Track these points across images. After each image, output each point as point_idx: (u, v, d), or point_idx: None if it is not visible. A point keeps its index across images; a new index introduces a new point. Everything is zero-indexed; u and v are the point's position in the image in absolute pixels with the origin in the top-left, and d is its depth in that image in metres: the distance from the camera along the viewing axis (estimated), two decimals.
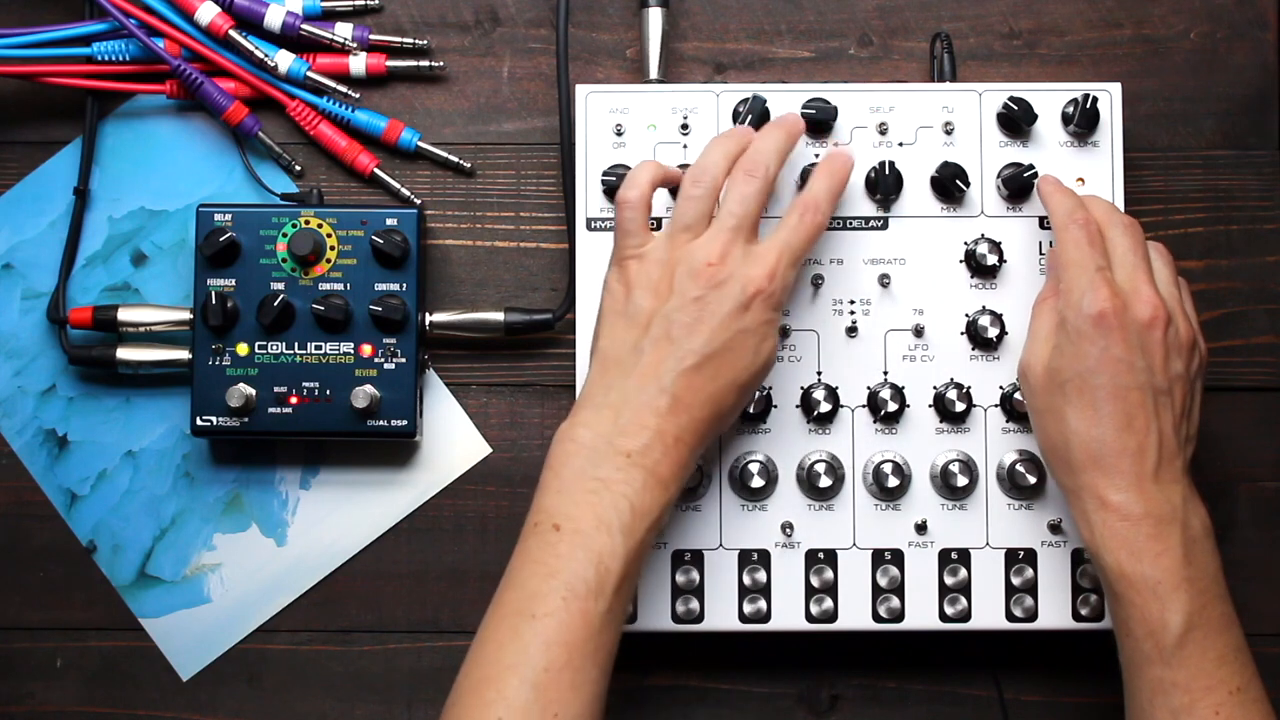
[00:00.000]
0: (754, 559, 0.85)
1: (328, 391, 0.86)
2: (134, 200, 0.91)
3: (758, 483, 0.84)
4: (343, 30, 0.90)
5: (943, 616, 0.85)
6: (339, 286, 0.87)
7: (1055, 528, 0.85)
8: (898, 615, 0.85)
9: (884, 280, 0.85)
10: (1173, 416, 0.77)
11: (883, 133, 0.86)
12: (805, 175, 0.85)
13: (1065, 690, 0.90)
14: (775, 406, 0.85)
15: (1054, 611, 0.85)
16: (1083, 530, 0.77)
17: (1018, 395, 0.84)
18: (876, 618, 0.85)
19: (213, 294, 0.86)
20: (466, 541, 0.90)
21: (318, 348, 0.87)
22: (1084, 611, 0.85)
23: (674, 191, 0.83)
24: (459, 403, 0.91)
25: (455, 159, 0.91)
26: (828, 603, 0.85)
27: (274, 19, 0.89)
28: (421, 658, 0.90)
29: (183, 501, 0.90)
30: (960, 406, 0.84)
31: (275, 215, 0.87)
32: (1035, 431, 0.81)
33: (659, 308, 0.76)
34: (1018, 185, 0.85)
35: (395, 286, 0.87)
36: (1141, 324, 0.76)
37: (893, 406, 0.84)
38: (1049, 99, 0.86)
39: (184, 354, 0.87)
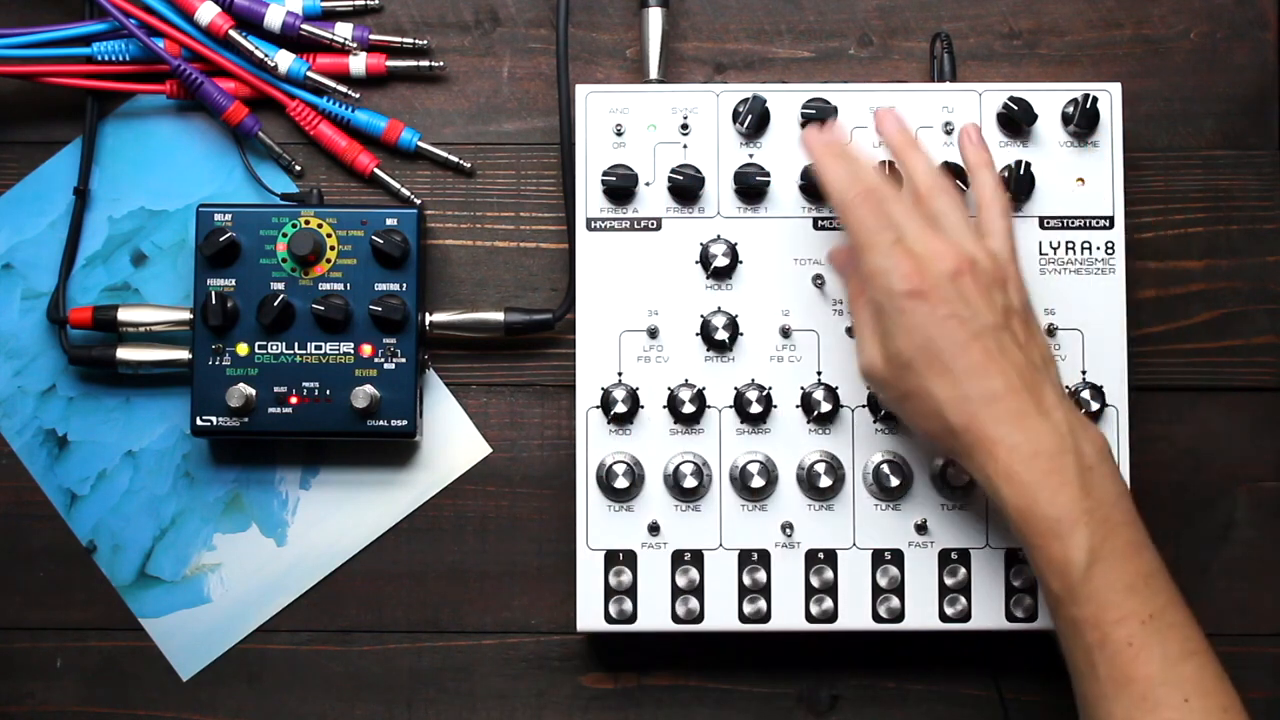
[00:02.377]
0: (754, 559, 0.85)
1: (328, 391, 0.86)
2: (134, 200, 0.91)
3: (758, 483, 0.84)
4: (343, 30, 0.90)
5: (942, 616, 0.85)
6: (339, 286, 0.87)
7: None
8: (898, 615, 0.85)
9: None
10: (1019, 347, 0.76)
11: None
12: (805, 175, 0.85)
13: (1065, 690, 0.89)
14: (775, 406, 0.85)
15: None
16: (982, 484, 0.77)
17: None
18: (876, 618, 0.85)
19: (213, 294, 0.86)
20: (466, 541, 0.90)
21: (318, 348, 0.87)
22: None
23: (674, 187, 0.83)
24: (459, 403, 0.91)
25: (455, 159, 0.91)
26: (828, 603, 0.85)
27: (274, 19, 0.89)
28: (421, 658, 0.90)
29: (183, 501, 0.90)
30: None
31: (275, 215, 0.87)
32: (907, 421, 0.80)
33: None
34: (1018, 185, 0.85)
35: (395, 286, 0.87)
36: (948, 276, 0.76)
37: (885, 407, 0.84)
38: (1049, 99, 0.86)
39: (184, 354, 0.87)
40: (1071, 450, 0.74)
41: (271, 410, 0.86)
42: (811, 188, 0.85)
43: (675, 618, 0.85)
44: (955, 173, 0.84)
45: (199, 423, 0.86)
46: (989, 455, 0.75)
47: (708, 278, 0.86)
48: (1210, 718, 0.71)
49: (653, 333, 0.85)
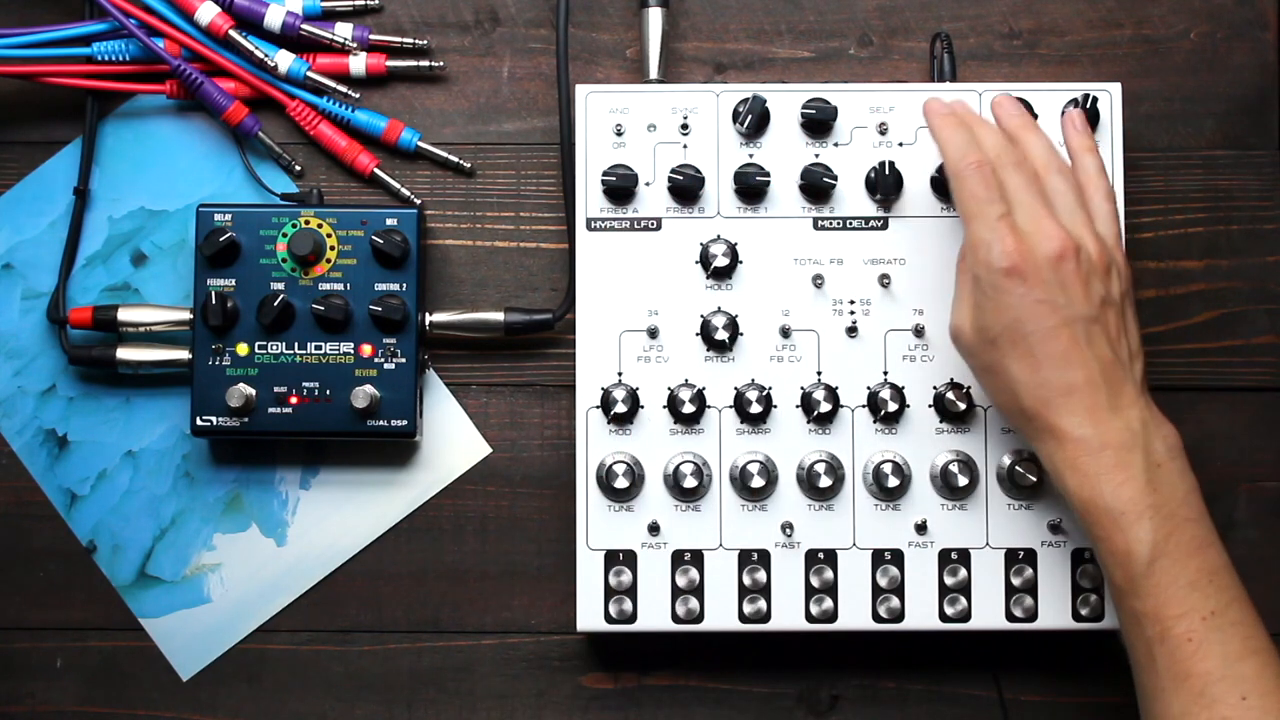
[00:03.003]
0: (754, 559, 0.85)
1: (328, 391, 0.86)
2: (134, 200, 0.91)
3: (758, 483, 0.84)
4: (343, 30, 0.90)
5: (943, 616, 0.85)
6: (339, 286, 0.87)
7: (1055, 528, 0.85)
8: (898, 615, 0.85)
9: (884, 280, 0.86)
10: (1108, 341, 0.76)
11: (883, 133, 0.86)
12: (805, 175, 0.85)
13: (1065, 690, 0.90)
14: (775, 406, 0.85)
15: (1054, 611, 0.85)
16: (1049, 472, 0.77)
17: None
18: (876, 618, 0.85)
19: (213, 294, 0.86)
20: (466, 541, 0.90)
21: (318, 348, 0.87)
22: (1084, 611, 0.85)
23: (672, 186, 0.83)
24: (459, 403, 0.91)
25: (455, 159, 0.91)
26: (828, 603, 0.85)
27: (274, 19, 0.89)
28: (421, 658, 0.90)
29: (183, 501, 0.90)
30: (960, 406, 0.84)
31: (275, 215, 0.87)
32: (984, 390, 0.81)
33: None
34: None
35: (395, 286, 0.87)
36: (1051, 260, 0.75)
37: (893, 406, 0.84)
38: (1049, 99, 0.86)
39: (184, 354, 0.87)
40: (1141, 447, 0.75)
41: (271, 410, 0.86)
42: (811, 188, 0.85)
43: (675, 618, 0.85)
44: None
45: (199, 423, 0.86)
46: (1058, 444, 0.76)
47: (708, 278, 0.86)
48: (1268, 717, 0.71)
49: (653, 333, 0.85)
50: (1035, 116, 0.85)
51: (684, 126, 0.86)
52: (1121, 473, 0.74)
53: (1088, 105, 0.85)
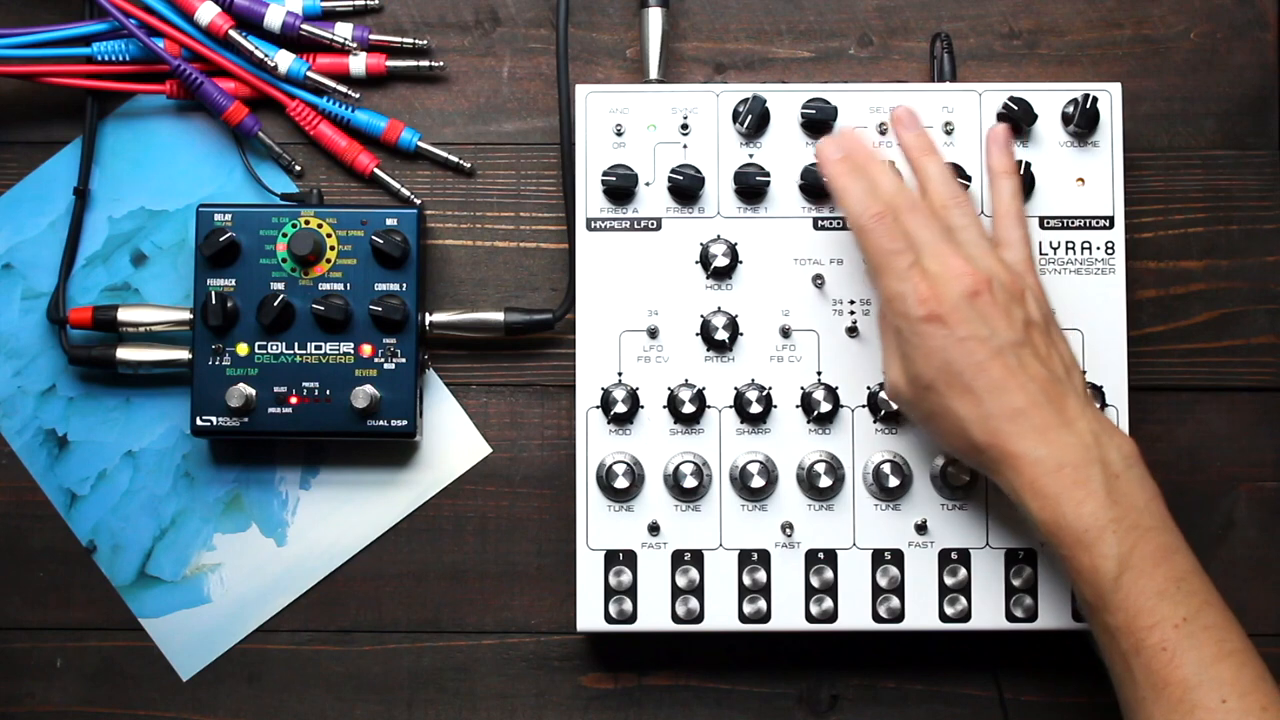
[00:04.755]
0: (754, 559, 0.85)
1: (328, 391, 0.86)
2: (134, 200, 0.91)
3: (758, 483, 0.84)
4: (343, 30, 0.90)
5: (942, 616, 0.85)
6: (339, 286, 0.87)
7: None
8: (898, 615, 0.85)
9: None
10: (1040, 360, 0.76)
11: (883, 133, 0.86)
12: (805, 175, 0.85)
13: (1065, 690, 0.90)
14: (775, 406, 0.85)
15: (1054, 611, 0.85)
16: (1010, 497, 0.77)
17: None
18: (876, 618, 0.85)
19: (213, 294, 0.86)
20: (466, 541, 0.90)
21: (318, 348, 0.87)
22: (1082, 609, 0.84)
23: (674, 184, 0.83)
24: (459, 403, 0.91)
25: (455, 159, 0.91)
26: (828, 603, 0.85)
27: (274, 19, 0.89)
28: (421, 658, 0.90)
29: (183, 501, 0.90)
30: None
31: (275, 215, 0.87)
32: (934, 439, 0.81)
33: None
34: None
35: (395, 286, 0.87)
36: (966, 298, 0.76)
37: (893, 406, 0.84)
38: (1049, 99, 0.86)
39: (184, 354, 0.87)
40: (1098, 460, 0.75)
41: (271, 410, 0.86)
42: (811, 188, 0.85)
43: (675, 618, 0.85)
44: (957, 171, 0.84)
45: (199, 423, 0.86)
46: (1015, 470, 0.76)
47: (708, 278, 0.86)
48: (1248, 717, 0.71)
49: (653, 333, 0.85)
50: (1035, 118, 0.85)
51: (684, 126, 0.86)
52: (1081, 489, 0.74)
53: (1088, 105, 0.85)
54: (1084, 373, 0.83)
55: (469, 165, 0.91)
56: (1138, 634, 0.72)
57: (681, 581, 0.85)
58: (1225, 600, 0.74)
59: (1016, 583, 0.85)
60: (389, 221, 0.87)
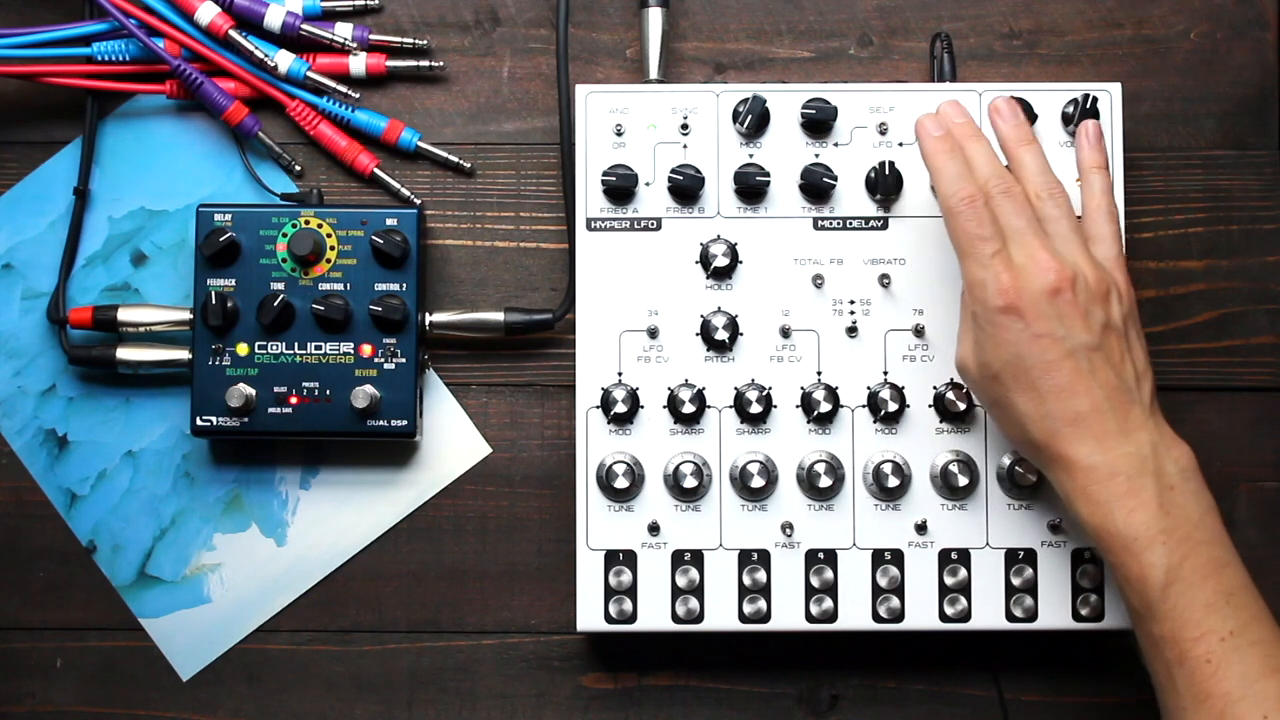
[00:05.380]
0: (754, 559, 0.85)
1: (328, 391, 0.86)
2: (134, 200, 0.91)
3: (758, 483, 0.84)
4: (343, 30, 0.90)
5: (943, 616, 0.85)
6: (339, 286, 0.87)
7: (1055, 528, 0.85)
8: (898, 615, 0.85)
9: (884, 280, 0.86)
10: (1112, 367, 0.76)
11: (883, 133, 0.86)
12: (805, 175, 0.85)
13: (1065, 690, 0.90)
14: (775, 406, 0.85)
15: (1054, 611, 0.85)
16: (1062, 500, 0.77)
17: None
18: (876, 618, 0.85)
19: (213, 294, 0.86)
20: (466, 541, 0.90)
21: (318, 348, 0.87)
22: (1084, 611, 0.85)
23: (676, 187, 0.83)
24: (459, 403, 0.91)
25: (455, 159, 0.91)
26: (828, 603, 0.85)
27: (274, 19, 0.89)
28: (421, 658, 0.90)
29: (183, 501, 0.90)
30: (960, 406, 0.84)
31: (275, 215, 0.87)
32: (993, 422, 0.81)
33: None
34: None
35: (395, 286, 0.87)
36: (1047, 294, 0.75)
37: (893, 406, 0.84)
38: (1049, 99, 0.86)
39: (184, 354, 0.87)
40: (1152, 471, 0.74)
41: (271, 410, 0.86)
42: (811, 188, 0.85)
43: (675, 618, 0.85)
44: None
45: (199, 423, 0.86)
46: (1067, 473, 0.76)
47: (708, 278, 0.86)
48: None
49: (653, 333, 0.85)
50: (1035, 118, 0.85)
51: (684, 126, 0.86)
52: (1133, 499, 0.74)
53: (1088, 105, 0.85)
54: (1155, 379, 0.81)
55: (469, 165, 0.91)
56: (1183, 645, 0.72)
57: (681, 581, 0.85)
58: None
59: (1016, 583, 0.85)
60: (389, 221, 0.87)
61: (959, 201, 0.77)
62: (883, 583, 0.85)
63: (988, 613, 0.85)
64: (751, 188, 0.85)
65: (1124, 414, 0.75)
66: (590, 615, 0.85)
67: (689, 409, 0.84)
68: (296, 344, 0.87)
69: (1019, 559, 0.85)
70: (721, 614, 0.85)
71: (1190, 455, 0.76)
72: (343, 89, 0.90)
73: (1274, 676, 0.72)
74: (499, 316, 0.89)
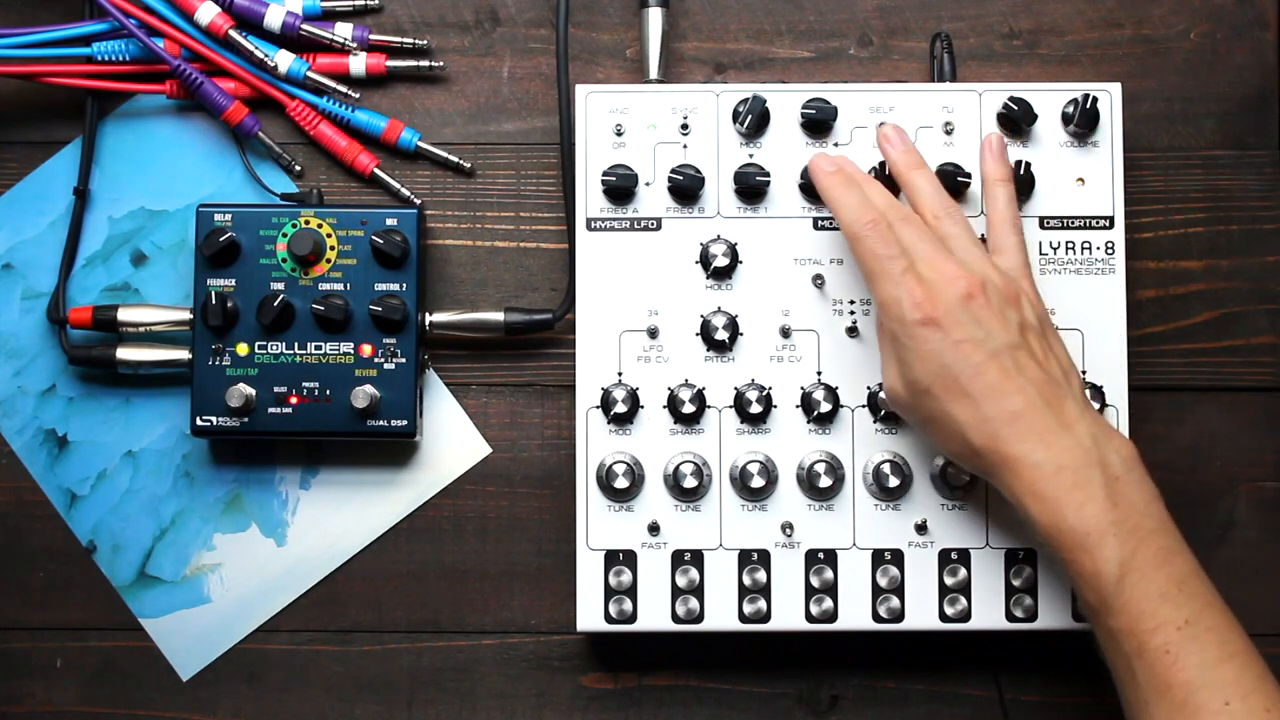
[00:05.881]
0: (754, 559, 0.85)
1: (328, 391, 0.86)
2: (134, 200, 0.91)
3: (758, 483, 0.84)
4: (343, 30, 0.90)
5: (943, 616, 0.85)
6: (339, 286, 0.87)
7: None
8: (898, 615, 0.85)
9: None
10: (1037, 363, 0.77)
11: None
12: (805, 175, 0.85)
13: (1065, 690, 0.90)
14: (775, 406, 0.85)
15: (1054, 611, 0.85)
16: (1010, 502, 0.77)
17: None
18: (876, 618, 0.85)
19: (213, 294, 0.86)
20: (466, 541, 0.90)
21: (318, 348, 0.87)
22: (1084, 611, 0.84)
23: (676, 188, 0.84)
24: (459, 403, 0.91)
25: (455, 159, 0.91)
26: (828, 603, 0.85)
27: (274, 19, 0.89)
28: (421, 658, 0.90)
29: (183, 501, 0.90)
30: None
31: (275, 215, 0.87)
32: (933, 443, 0.81)
33: None
34: (1018, 186, 0.85)
35: (395, 286, 0.87)
36: (960, 300, 0.76)
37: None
38: (1049, 99, 0.86)
39: (184, 354, 0.87)
40: (1097, 463, 0.75)
41: (271, 410, 0.86)
42: (811, 187, 0.85)
43: (675, 618, 0.85)
44: (956, 171, 0.84)
45: (199, 423, 0.86)
46: (1014, 474, 0.76)
47: (708, 278, 0.86)
48: (1252, 718, 0.71)
49: (653, 333, 0.85)
50: (1035, 118, 0.85)
51: (684, 126, 0.86)
52: (1081, 492, 0.74)
53: (1088, 105, 0.85)
54: (1083, 375, 0.83)
55: (469, 165, 0.91)
56: (1140, 636, 0.72)
57: (681, 581, 0.85)
58: (1226, 601, 0.74)
59: (1016, 583, 0.85)
60: (389, 221, 0.87)
61: (862, 226, 0.79)
62: (883, 583, 0.85)
63: (988, 613, 0.85)
64: (751, 188, 0.85)
65: (1059, 408, 0.76)
66: (590, 615, 0.85)
67: (689, 409, 0.84)
68: (296, 344, 0.87)
69: (1019, 559, 0.85)
70: (721, 614, 0.85)
71: (1131, 446, 0.77)
72: (343, 89, 0.90)
73: (1231, 662, 0.72)
74: (499, 316, 0.89)
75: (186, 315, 0.88)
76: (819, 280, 0.86)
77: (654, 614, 0.85)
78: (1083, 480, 0.74)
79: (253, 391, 0.86)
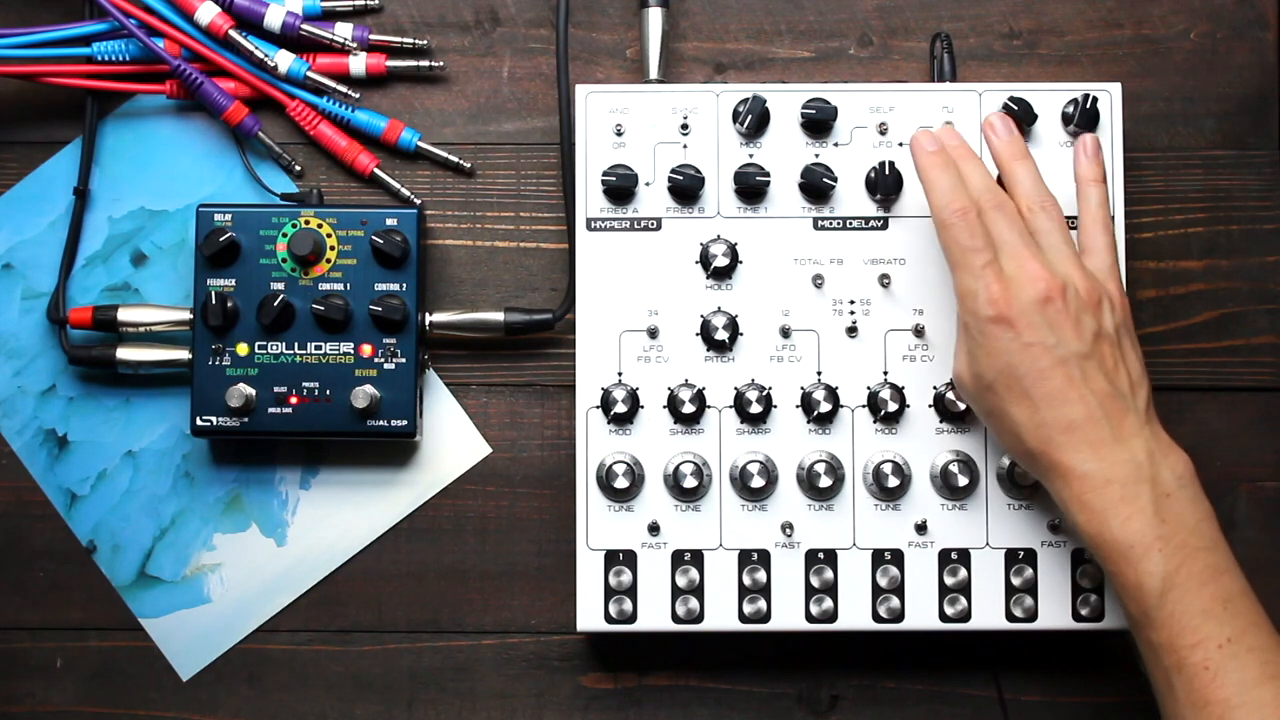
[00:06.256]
0: (754, 559, 0.85)
1: (328, 391, 0.86)
2: (134, 200, 0.91)
3: (758, 483, 0.84)
4: (343, 30, 0.90)
5: (943, 616, 0.85)
6: (339, 286, 0.87)
7: (1055, 528, 0.85)
8: (898, 615, 0.85)
9: (884, 280, 0.86)
10: (1105, 374, 0.76)
11: (883, 133, 0.86)
12: (805, 175, 0.85)
13: (1065, 690, 0.90)
14: (775, 406, 0.85)
15: (1054, 611, 0.85)
16: (1059, 508, 0.77)
17: None
18: (876, 618, 0.85)
19: (213, 294, 0.86)
20: (466, 541, 0.90)
21: (318, 348, 0.87)
22: (1084, 611, 0.85)
23: (674, 183, 0.83)
24: (459, 403, 0.91)
25: (455, 159, 0.91)
26: (828, 603, 0.85)
27: (274, 19, 0.89)
28: (421, 658, 0.90)
29: (183, 501, 0.90)
30: (960, 406, 0.84)
31: (275, 215, 0.87)
32: (991, 433, 0.81)
33: None
34: None
35: (395, 286, 0.87)
36: (1037, 303, 0.76)
37: (893, 406, 0.84)
38: (1049, 99, 0.86)
39: (184, 354, 0.87)
40: (1148, 478, 0.75)
41: (271, 410, 0.86)
42: (811, 187, 0.85)
43: (675, 618, 0.85)
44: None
45: (199, 423, 0.86)
46: (1063, 481, 0.76)
47: (708, 278, 0.86)
48: None
49: (653, 333, 0.85)
50: (1035, 118, 0.85)
51: (684, 126, 0.86)
52: (1128, 506, 0.74)
53: (1088, 105, 0.85)
54: (1151, 387, 0.81)
55: (469, 165, 0.91)
56: (1180, 652, 0.72)
57: (681, 581, 0.85)
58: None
59: (1016, 583, 0.85)
60: (389, 221, 0.87)
61: (951, 214, 0.78)
62: (883, 583, 0.85)
63: (988, 613, 0.85)
64: (751, 188, 0.85)
65: (1118, 421, 0.75)
66: (590, 615, 0.85)
67: (689, 409, 0.84)
68: (296, 344, 0.87)
69: (1019, 559, 0.85)
70: (721, 614, 0.85)
71: (1187, 462, 0.76)
72: (343, 89, 0.90)
73: (1272, 683, 0.72)
74: (499, 316, 0.89)
75: (186, 315, 0.88)
76: (819, 280, 0.86)
77: (654, 614, 0.85)
78: (1131, 494, 0.74)
79: (253, 391, 0.86)
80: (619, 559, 0.85)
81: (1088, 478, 0.75)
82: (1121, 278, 0.81)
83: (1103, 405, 0.75)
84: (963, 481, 0.84)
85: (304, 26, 0.89)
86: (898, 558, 0.85)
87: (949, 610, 0.85)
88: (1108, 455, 0.75)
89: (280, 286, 0.87)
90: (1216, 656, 0.72)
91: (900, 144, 0.86)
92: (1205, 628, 0.72)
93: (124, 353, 0.88)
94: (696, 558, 0.85)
